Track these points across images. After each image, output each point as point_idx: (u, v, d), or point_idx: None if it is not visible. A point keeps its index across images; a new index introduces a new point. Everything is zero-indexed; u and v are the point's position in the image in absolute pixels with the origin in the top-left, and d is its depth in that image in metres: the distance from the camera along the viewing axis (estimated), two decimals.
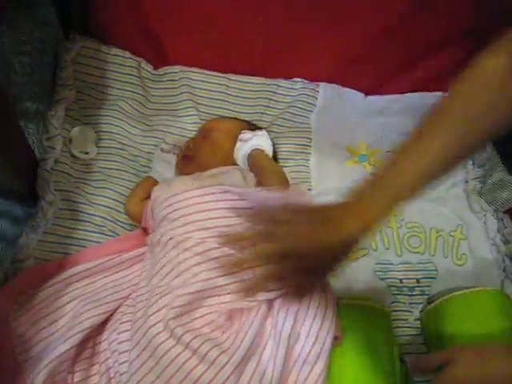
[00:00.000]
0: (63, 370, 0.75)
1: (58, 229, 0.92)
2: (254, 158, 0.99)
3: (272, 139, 1.07)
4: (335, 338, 0.80)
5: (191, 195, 0.86)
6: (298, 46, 1.11)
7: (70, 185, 0.97)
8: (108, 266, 0.88)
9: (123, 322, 0.80)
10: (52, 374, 0.73)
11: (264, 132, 1.06)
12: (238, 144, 1.01)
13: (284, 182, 0.95)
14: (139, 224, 0.96)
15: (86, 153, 1.03)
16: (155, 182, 1.00)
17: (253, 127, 1.09)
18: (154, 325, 0.73)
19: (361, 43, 1.09)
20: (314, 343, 0.76)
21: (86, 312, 0.80)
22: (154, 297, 0.77)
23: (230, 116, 1.13)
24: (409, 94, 1.16)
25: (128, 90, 1.09)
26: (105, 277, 0.88)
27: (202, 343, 0.71)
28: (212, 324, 0.75)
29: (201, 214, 0.84)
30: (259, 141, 1.01)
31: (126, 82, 1.09)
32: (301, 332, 0.77)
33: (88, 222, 0.95)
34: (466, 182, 1.15)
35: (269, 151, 1.02)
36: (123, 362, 0.75)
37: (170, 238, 0.82)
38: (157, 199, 0.89)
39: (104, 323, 0.82)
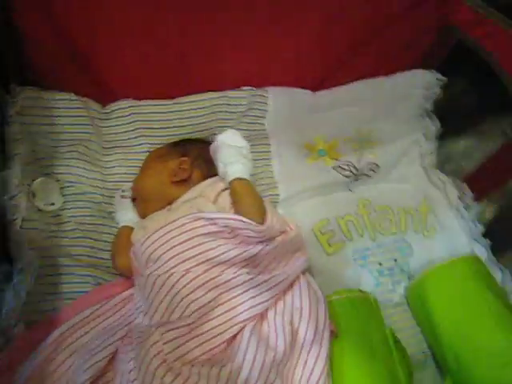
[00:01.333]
0: None
1: (41, 287, 0.92)
2: (233, 189, 0.94)
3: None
4: (331, 332, 0.84)
5: (164, 232, 0.87)
6: (236, 55, 1.11)
7: (43, 241, 0.96)
8: (104, 310, 0.90)
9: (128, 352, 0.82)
10: None
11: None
12: (220, 168, 0.97)
13: (258, 215, 0.90)
14: (131, 275, 0.93)
15: (52, 204, 1.02)
16: (131, 229, 1.00)
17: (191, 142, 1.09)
18: (152, 359, 0.76)
19: (298, 41, 1.11)
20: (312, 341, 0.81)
21: (87, 361, 0.81)
22: (150, 333, 0.80)
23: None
24: (355, 83, 1.19)
25: (80, 132, 1.07)
26: (102, 322, 0.89)
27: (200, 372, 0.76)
28: (209, 353, 0.79)
29: (179, 247, 0.85)
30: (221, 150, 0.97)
31: (77, 125, 1.07)
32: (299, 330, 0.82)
33: (71, 274, 0.95)
34: (422, 156, 1.21)
35: (247, 174, 0.96)
36: None
37: (156, 278, 0.84)
38: (136, 246, 0.89)
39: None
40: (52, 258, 0.95)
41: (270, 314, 0.84)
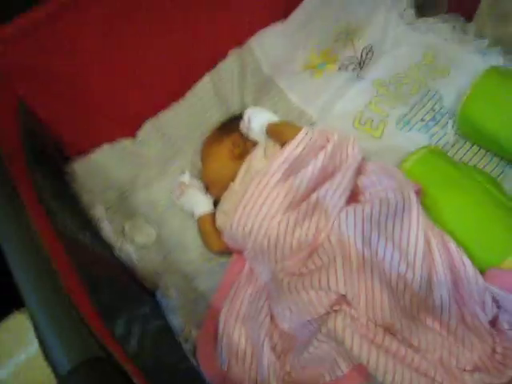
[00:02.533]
0: None
1: (184, 297, 1.05)
2: (271, 131, 1.10)
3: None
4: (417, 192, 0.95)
5: (243, 205, 0.99)
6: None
7: (160, 264, 1.10)
8: (242, 284, 1.03)
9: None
10: None
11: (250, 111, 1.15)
12: (248, 127, 1.12)
13: (297, 129, 1.06)
14: (232, 252, 1.07)
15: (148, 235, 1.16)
16: (211, 215, 1.11)
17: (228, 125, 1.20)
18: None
19: None
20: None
21: (256, 325, 0.96)
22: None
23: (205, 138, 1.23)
24: None
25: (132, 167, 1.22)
26: (245, 293, 1.02)
27: None
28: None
29: (263, 212, 0.98)
30: (260, 116, 1.12)
31: (127, 164, 1.21)
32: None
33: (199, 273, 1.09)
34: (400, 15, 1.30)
35: (268, 119, 1.12)
36: None
37: (260, 245, 0.98)
38: (226, 232, 1.02)
39: None
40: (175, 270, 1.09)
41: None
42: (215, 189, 1.15)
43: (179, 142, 1.25)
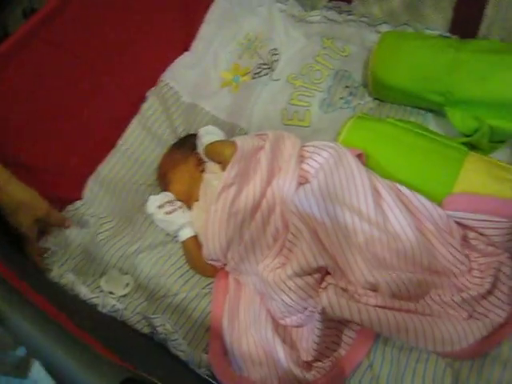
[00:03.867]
0: None
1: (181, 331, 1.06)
2: (206, 155, 1.14)
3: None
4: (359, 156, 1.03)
5: (211, 223, 1.01)
6: None
7: (150, 306, 1.10)
8: (232, 297, 1.06)
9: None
10: None
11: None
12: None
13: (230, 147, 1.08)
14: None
15: (127, 284, 1.14)
16: (195, 238, 1.11)
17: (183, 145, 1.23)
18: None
19: None
20: None
21: (260, 329, 0.99)
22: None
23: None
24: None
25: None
26: (239, 302, 1.05)
27: None
28: None
29: (224, 228, 1.01)
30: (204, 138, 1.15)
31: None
32: None
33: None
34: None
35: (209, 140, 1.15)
36: None
37: (240, 253, 1.01)
38: (204, 252, 1.04)
39: None
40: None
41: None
42: (189, 202, 1.15)
43: (127, 186, 1.27)
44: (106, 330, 0.93)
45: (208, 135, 1.15)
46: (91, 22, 1.15)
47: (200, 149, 1.15)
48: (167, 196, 1.14)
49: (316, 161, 1.04)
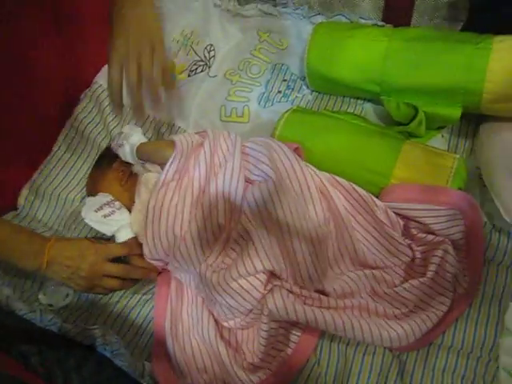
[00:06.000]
0: None
1: (124, 340, 1.04)
2: (139, 155, 1.08)
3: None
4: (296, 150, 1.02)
5: (150, 223, 0.97)
6: None
7: (91, 317, 1.07)
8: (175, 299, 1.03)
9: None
10: None
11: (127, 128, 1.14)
12: (120, 150, 1.10)
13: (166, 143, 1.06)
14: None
15: (67, 295, 1.11)
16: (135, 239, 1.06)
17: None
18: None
19: None
20: None
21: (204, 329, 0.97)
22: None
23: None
24: None
25: None
26: (183, 307, 1.02)
27: None
28: None
29: (170, 218, 0.98)
30: (132, 138, 1.10)
31: None
32: None
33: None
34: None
35: (139, 139, 1.10)
36: None
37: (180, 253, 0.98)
38: (144, 253, 1.00)
39: None
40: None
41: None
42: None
43: (62, 195, 1.22)
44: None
45: (135, 134, 1.11)
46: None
47: (127, 148, 1.09)
48: (105, 197, 1.08)
49: (256, 160, 1.02)
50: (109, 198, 1.08)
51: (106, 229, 1.07)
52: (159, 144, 1.10)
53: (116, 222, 1.06)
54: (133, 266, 1.03)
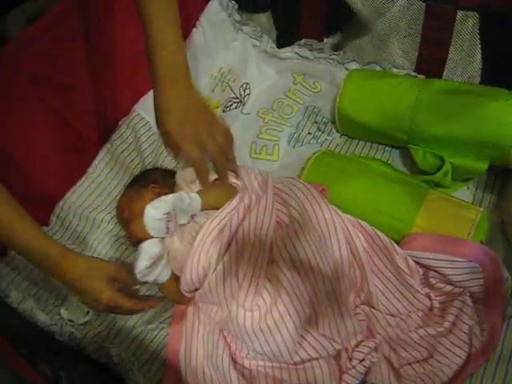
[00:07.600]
0: None
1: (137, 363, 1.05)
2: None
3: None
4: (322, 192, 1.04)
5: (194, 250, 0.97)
6: None
7: (107, 336, 1.09)
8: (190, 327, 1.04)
9: None
10: None
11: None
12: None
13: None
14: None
15: (87, 312, 1.13)
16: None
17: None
18: None
19: None
20: None
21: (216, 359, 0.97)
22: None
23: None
24: None
25: None
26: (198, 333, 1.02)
27: None
28: None
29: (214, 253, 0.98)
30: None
31: None
32: None
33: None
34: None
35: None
36: None
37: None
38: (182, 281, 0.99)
39: None
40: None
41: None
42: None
43: (92, 215, 1.26)
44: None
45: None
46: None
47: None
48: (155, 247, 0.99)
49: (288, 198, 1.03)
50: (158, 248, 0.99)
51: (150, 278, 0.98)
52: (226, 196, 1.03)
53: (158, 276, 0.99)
54: (147, 300, 1.01)
